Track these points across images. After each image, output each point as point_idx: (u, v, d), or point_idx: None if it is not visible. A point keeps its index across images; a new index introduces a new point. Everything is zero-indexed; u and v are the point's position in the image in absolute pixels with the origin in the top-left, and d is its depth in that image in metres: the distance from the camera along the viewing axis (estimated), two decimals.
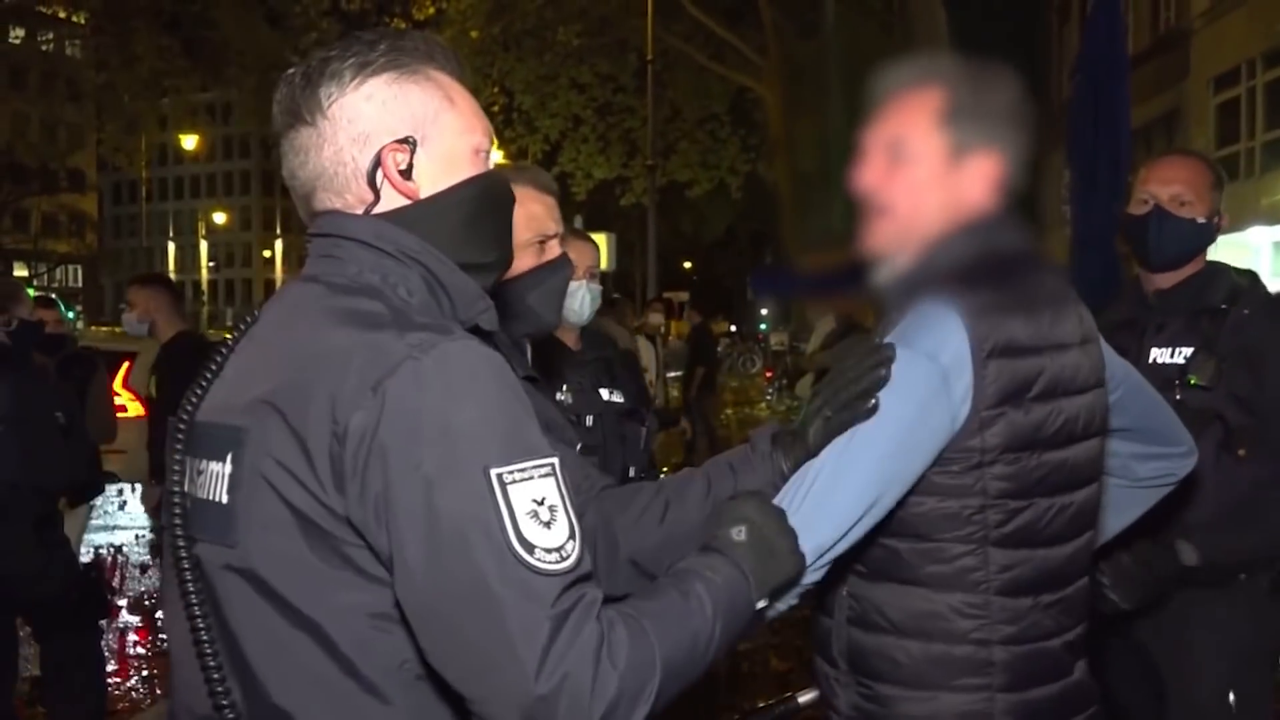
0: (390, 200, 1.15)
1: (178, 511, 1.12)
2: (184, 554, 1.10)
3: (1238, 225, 18.33)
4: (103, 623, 4.09)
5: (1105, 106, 4.04)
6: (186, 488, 1.13)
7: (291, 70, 1.18)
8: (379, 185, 1.14)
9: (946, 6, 10.09)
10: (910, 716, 1.42)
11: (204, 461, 1.11)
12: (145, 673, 4.94)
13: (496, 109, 19.56)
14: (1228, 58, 18.31)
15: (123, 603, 5.92)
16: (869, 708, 1.45)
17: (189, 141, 37.48)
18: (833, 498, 1.31)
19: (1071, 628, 1.48)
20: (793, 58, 19.11)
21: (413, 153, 1.14)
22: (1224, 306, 2.27)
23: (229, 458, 1.07)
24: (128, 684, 4.82)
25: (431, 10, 18.06)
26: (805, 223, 20.03)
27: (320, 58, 1.16)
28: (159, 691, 4.54)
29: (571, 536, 0.99)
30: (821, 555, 1.31)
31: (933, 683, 1.40)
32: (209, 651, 1.07)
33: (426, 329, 1.04)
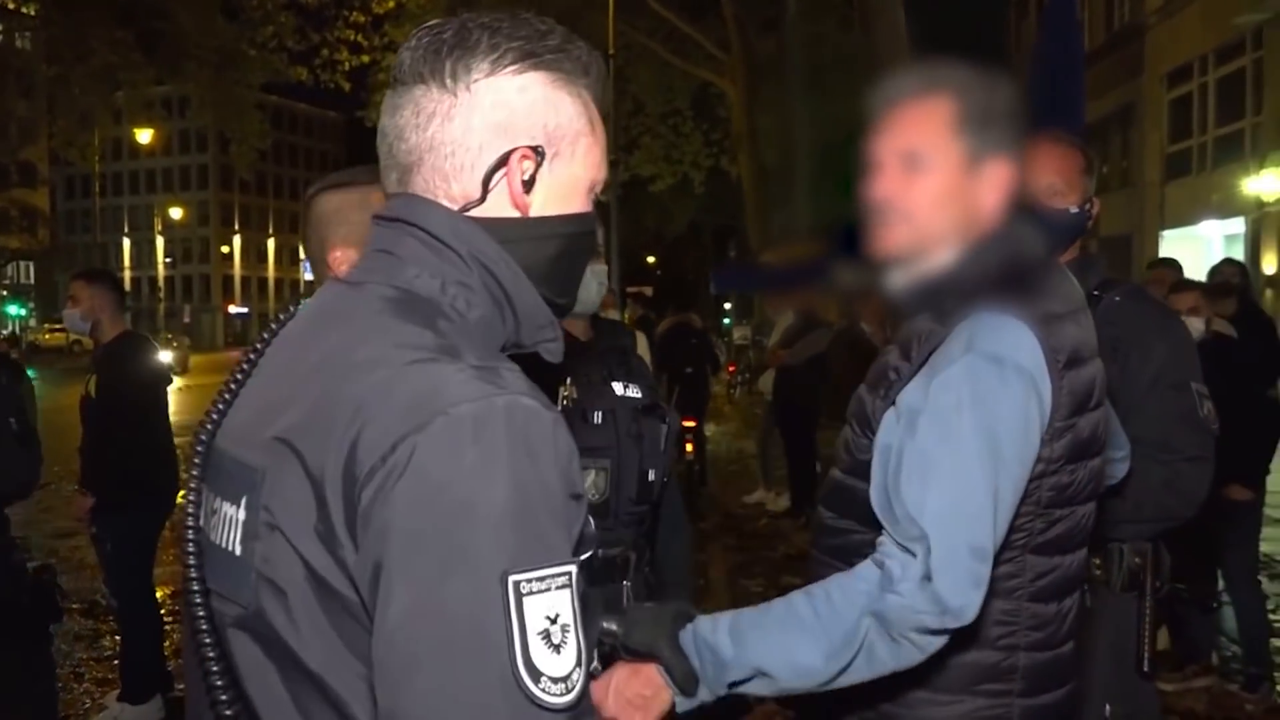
0: (495, 207, 1.01)
1: (192, 553, 1.00)
2: (199, 606, 0.98)
3: (1190, 219, 18.64)
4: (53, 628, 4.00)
5: (1060, 101, 4.08)
6: (203, 524, 1.01)
7: (439, 23, 1.03)
8: (492, 186, 1.00)
9: (905, 2, 10.15)
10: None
11: (219, 500, 0.99)
12: (98, 676, 4.85)
13: None
14: (1181, 53, 18.60)
15: (76, 606, 5.81)
16: (891, 709, 1.45)
17: (144, 135, 36.84)
18: (967, 513, 1.30)
19: (1077, 632, 1.51)
20: (754, 53, 19.17)
21: (539, 164, 1.01)
22: (1095, 293, 2.26)
23: (244, 502, 0.95)
24: (80, 689, 4.73)
25: (391, 4, 17.88)
26: (768, 217, 20.12)
27: (483, 24, 1.01)
28: (112, 693, 4.46)
29: (579, 664, 0.85)
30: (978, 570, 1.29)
31: (958, 687, 1.41)
32: (227, 714, 0.95)
33: (478, 372, 0.90)
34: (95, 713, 4.42)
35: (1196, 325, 4.30)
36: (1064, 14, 4.75)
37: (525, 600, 0.82)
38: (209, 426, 1.03)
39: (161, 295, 67.95)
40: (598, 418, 2.27)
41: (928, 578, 1.28)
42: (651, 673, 1.37)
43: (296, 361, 1.00)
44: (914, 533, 1.31)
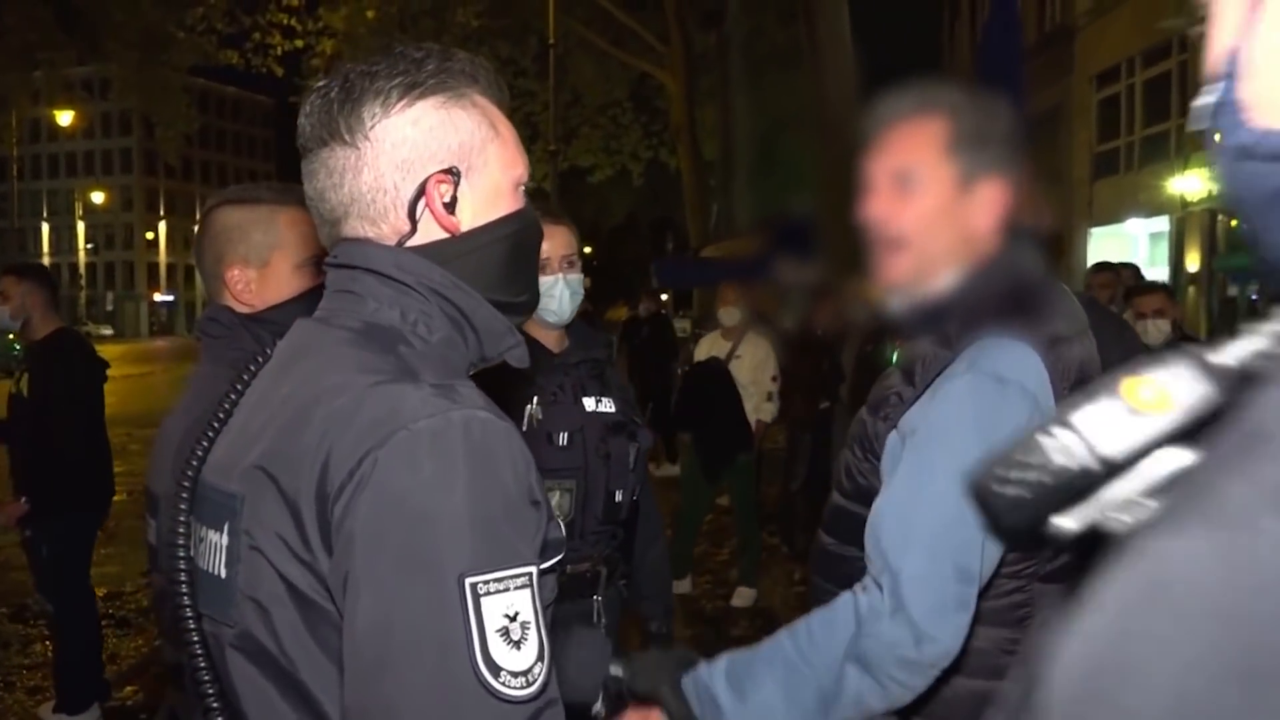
0: (427, 233, 1.06)
1: (185, 581, 1.06)
2: (192, 631, 1.04)
3: (1117, 217, 19.13)
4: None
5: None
6: (192, 554, 1.07)
7: (326, 82, 1.08)
8: (418, 216, 1.06)
9: None
10: None
11: (205, 529, 1.05)
12: (31, 684, 4.68)
13: None
14: (1110, 55, 19.06)
15: (3, 610, 5.60)
16: None
17: (64, 117, 35.67)
18: (947, 539, 1.28)
19: None
20: (694, 45, 19.18)
21: (457, 184, 1.06)
22: None
23: (225, 528, 1.01)
24: (11, 699, 4.56)
25: None
26: (707, 210, 20.19)
27: (362, 72, 1.06)
28: (47, 704, 4.31)
29: (540, 658, 0.91)
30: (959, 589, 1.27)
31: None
32: None
33: (436, 390, 0.96)
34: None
35: (1163, 327, 4.36)
36: (1004, 17, 4.83)
37: (483, 600, 0.88)
38: (194, 462, 1.09)
39: (83, 283, 66.01)
40: (564, 439, 2.24)
41: (898, 609, 1.27)
42: (656, 717, 1.42)
43: (269, 394, 1.06)
44: (879, 565, 1.31)
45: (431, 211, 1.06)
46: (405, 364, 1.00)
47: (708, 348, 6.29)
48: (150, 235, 78.29)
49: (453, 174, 1.05)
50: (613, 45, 19.26)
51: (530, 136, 20.73)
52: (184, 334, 67.63)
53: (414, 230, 1.06)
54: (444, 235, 1.07)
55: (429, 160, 1.05)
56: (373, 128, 1.04)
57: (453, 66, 1.08)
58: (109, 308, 74.68)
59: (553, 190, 17.43)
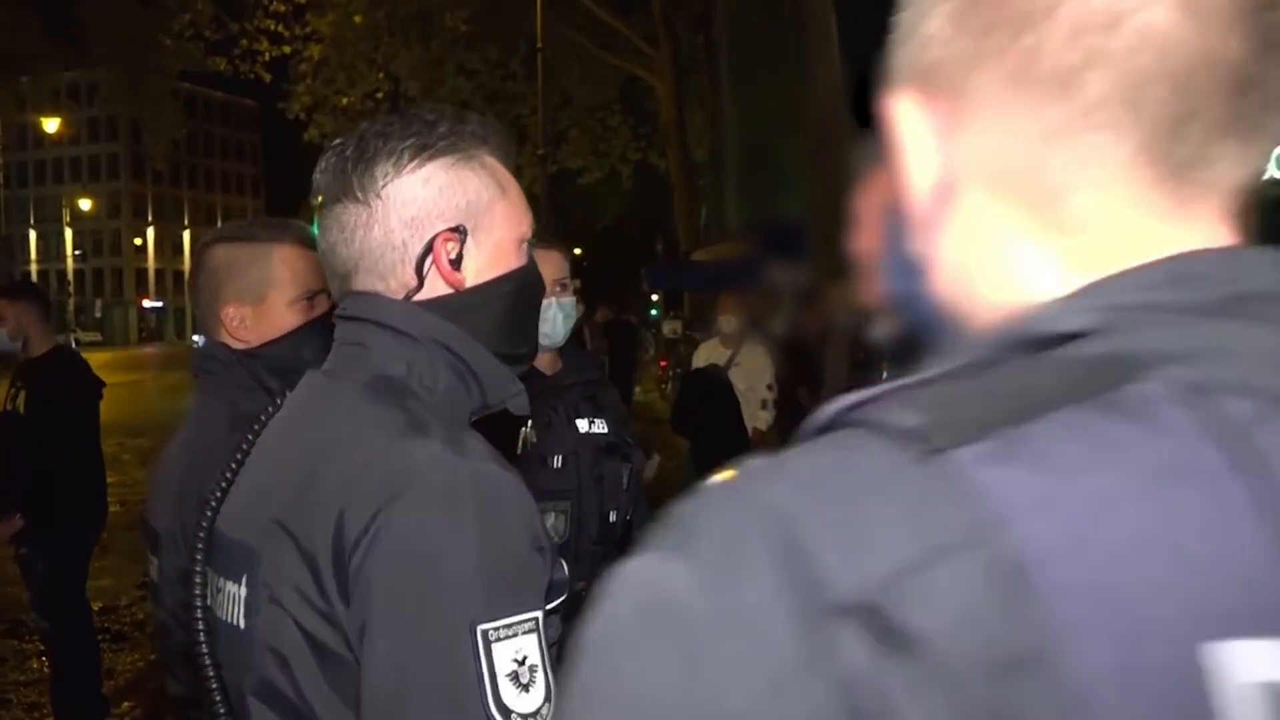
0: (433, 288, 1.11)
1: (203, 630, 1.09)
2: (211, 679, 1.07)
3: None
4: None
5: None
6: (209, 603, 1.10)
7: (341, 140, 1.13)
8: (425, 272, 1.10)
9: (836, 3, 10.27)
10: None
11: (222, 580, 1.08)
12: (28, 700, 4.68)
13: (381, 95, 19.14)
14: None
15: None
16: None
17: (51, 124, 35.59)
18: None
19: None
20: (682, 48, 19.22)
21: (463, 242, 1.11)
22: None
23: (244, 580, 1.04)
24: (8, 716, 4.56)
25: None
26: (696, 212, 20.23)
27: (376, 133, 1.11)
28: (45, 718, 4.32)
29: (547, 699, 0.95)
30: None
31: None
32: None
33: (445, 444, 1.00)
34: None
35: None
36: None
37: (493, 646, 0.93)
38: (208, 513, 1.12)
39: (71, 289, 65.80)
40: (558, 461, 2.26)
41: None
42: None
43: (283, 448, 1.10)
44: None
45: (438, 268, 1.10)
46: (414, 417, 1.04)
47: (707, 354, 6.33)
48: (138, 241, 78.09)
49: (459, 232, 1.10)
50: (601, 48, 19.28)
51: (519, 140, 20.76)
52: (173, 340, 67.46)
53: (420, 285, 1.10)
54: (449, 290, 1.11)
55: (437, 218, 1.10)
56: (384, 186, 1.09)
57: (464, 129, 1.12)
58: (97, 314, 74.53)
59: (542, 194, 17.44)
